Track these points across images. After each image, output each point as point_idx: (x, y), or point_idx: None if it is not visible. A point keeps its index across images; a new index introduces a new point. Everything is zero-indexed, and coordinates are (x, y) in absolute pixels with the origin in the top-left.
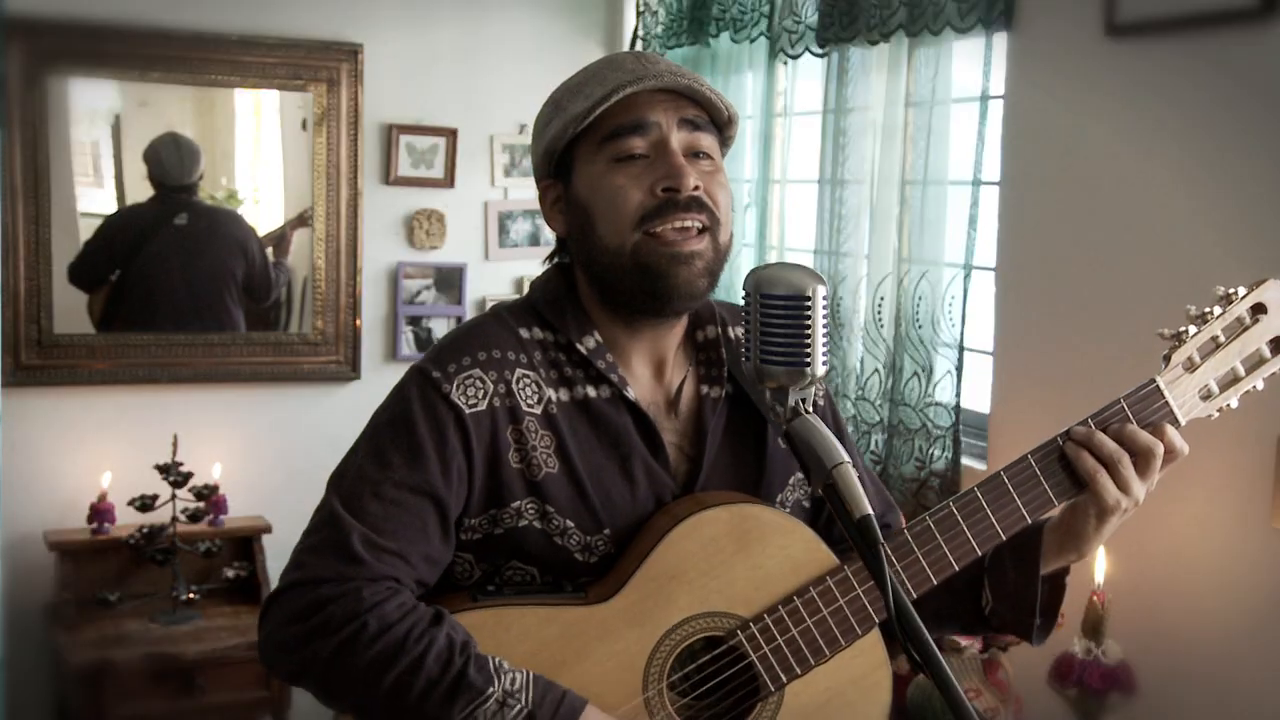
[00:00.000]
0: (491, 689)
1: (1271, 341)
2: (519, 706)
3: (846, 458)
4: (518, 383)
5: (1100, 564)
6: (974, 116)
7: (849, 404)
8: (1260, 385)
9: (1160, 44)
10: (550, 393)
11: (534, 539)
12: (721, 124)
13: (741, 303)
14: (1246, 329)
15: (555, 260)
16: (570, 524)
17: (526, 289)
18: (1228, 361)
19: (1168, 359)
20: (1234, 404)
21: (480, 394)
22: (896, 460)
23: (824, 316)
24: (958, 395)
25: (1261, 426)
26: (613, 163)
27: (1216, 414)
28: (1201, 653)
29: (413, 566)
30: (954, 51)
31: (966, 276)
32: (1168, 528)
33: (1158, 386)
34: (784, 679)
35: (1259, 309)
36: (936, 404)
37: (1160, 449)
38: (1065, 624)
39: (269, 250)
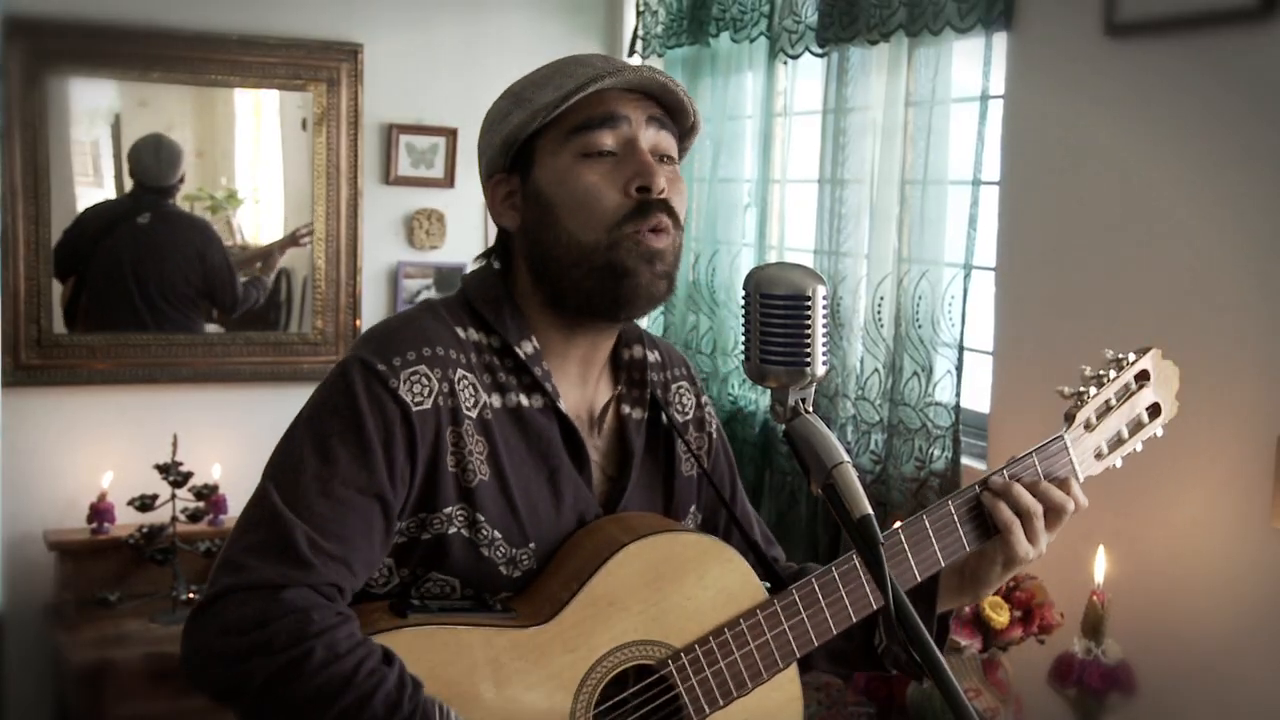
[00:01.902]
0: None
1: (1150, 407)
2: None
3: (846, 457)
4: (459, 383)
5: (1100, 564)
6: (974, 116)
7: (849, 404)
8: (1139, 448)
9: (1160, 44)
10: (485, 398)
11: (459, 548)
12: (684, 131)
13: (741, 303)
14: (1132, 394)
15: (490, 258)
16: (498, 535)
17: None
18: (1117, 424)
19: (1070, 418)
20: (1118, 464)
21: (426, 391)
22: (896, 460)
23: (824, 316)
24: (958, 395)
25: (1261, 426)
26: (580, 158)
27: (1099, 472)
28: (1201, 653)
29: (354, 574)
30: (954, 51)
31: (966, 276)
32: (1168, 528)
33: (1065, 444)
34: (707, 710)
35: (1143, 375)
36: (936, 404)
37: (1071, 505)
38: (1065, 624)
39: (256, 265)
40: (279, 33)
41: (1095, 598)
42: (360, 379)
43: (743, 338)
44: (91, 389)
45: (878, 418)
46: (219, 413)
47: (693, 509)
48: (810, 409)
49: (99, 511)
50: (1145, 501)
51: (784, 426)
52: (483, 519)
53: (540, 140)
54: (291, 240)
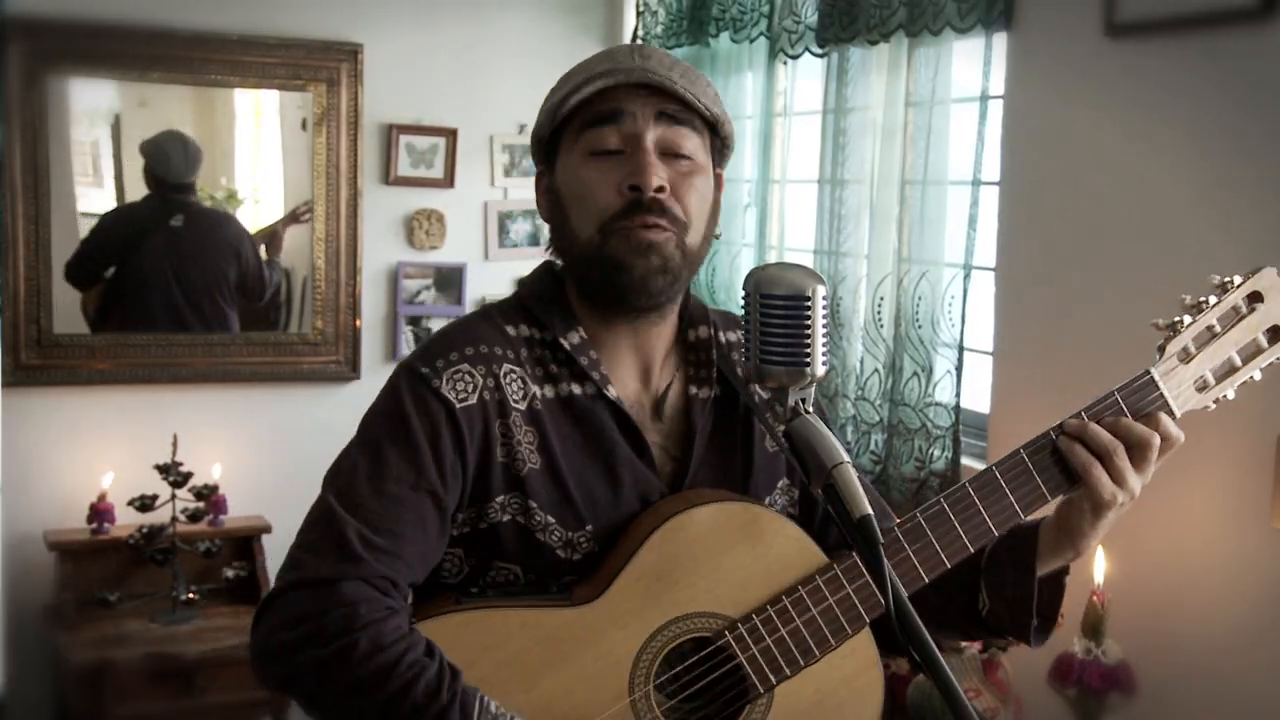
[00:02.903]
0: None
1: (1269, 330)
2: None
3: (846, 457)
4: (505, 377)
5: (1100, 564)
6: (974, 116)
7: (849, 404)
8: (1258, 375)
9: (1160, 44)
10: (535, 389)
11: (514, 535)
12: (708, 125)
13: (741, 303)
14: (1243, 318)
15: (551, 252)
16: (552, 520)
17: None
18: (1224, 351)
19: (1162, 350)
20: (1230, 395)
21: (470, 388)
22: (896, 460)
23: (824, 316)
24: (957, 395)
25: (1261, 426)
26: (588, 155)
27: (1213, 405)
28: (1201, 653)
29: (409, 566)
30: (954, 51)
31: (966, 276)
32: (1168, 528)
33: (1152, 378)
34: (773, 680)
35: (1255, 297)
36: (936, 404)
37: (1156, 440)
38: (1065, 624)
39: (262, 248)
40: (279, 33)
41: (1095, 598)
42: (406, 384)
43: (743, 338)
44: (91, 389)
45: (878, 418)
46: (219, 413)
47: (782, 483)
48: (810, 409)
49: (99, 512)
50: (1145, 501)
51: (784, 427)
52: (535, 505)
53: (562, 137)
54: (293, 217)
